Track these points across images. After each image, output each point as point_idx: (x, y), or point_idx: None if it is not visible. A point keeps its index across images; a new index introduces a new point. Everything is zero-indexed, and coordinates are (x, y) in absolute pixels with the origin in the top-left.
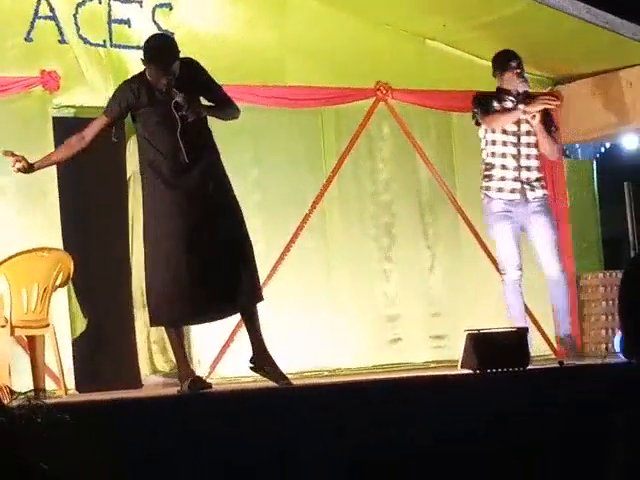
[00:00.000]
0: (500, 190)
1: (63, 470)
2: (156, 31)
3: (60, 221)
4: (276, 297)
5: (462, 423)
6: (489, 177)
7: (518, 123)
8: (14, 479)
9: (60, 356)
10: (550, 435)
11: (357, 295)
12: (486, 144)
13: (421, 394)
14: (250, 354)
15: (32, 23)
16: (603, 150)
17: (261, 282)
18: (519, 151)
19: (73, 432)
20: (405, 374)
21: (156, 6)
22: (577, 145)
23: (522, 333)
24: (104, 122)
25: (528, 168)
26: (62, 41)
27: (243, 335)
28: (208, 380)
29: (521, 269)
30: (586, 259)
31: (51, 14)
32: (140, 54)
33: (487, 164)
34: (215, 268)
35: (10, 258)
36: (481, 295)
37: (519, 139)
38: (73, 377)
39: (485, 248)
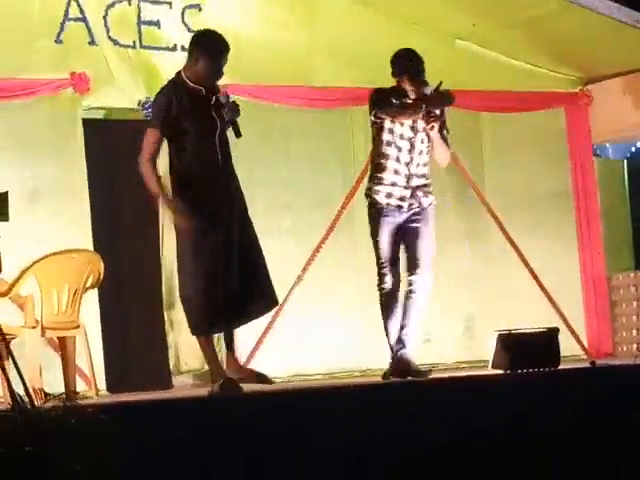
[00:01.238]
0: (389, 196)
1: (95, 469)
2: (185, 32)
3: (91, 223)
4: (305, 297)
5: (493, 423)
6: (379, 180)
7: (415, 131)
8: (46, 479)
9: (91, 357)
10: (581, 435)
11: None
12: (379, 144)
13: (452, 394)
14: (280, 354)
15: (62, 25)
16: (634, 149)
17: (291, 283)
18: (412, 158)
19: (106, 433)
20: (436, 375)
21: (185, 7)
22: (608, 145)
23: (553, 333)
24: (158, 135)
25: (418, 176)
26: (92, 42)
27: (273, 336)
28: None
29: (400, 279)
30: (617, 259)
31: (81, 16)
32: (170, 55)
33: (378, 165)
34: (245, 274)
35: (41, 259)
36: (511, 295)
37: (413, 146)
38: (104, 378)
39: (515, 247)
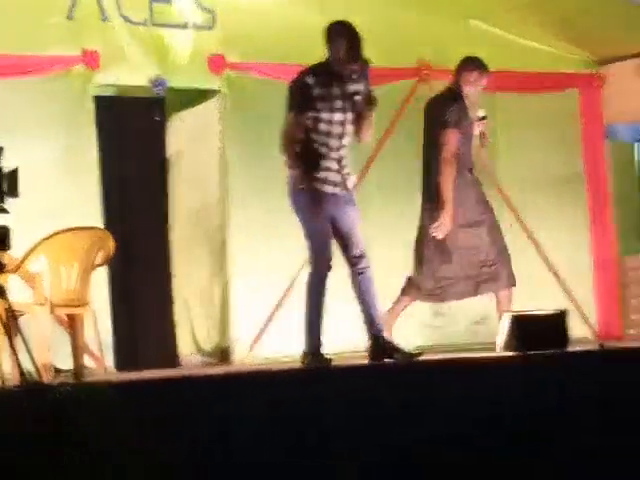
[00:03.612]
0: (325, 182)
1: (105, 446)
2: (197, 9)
3: (101, 200)
4: None
5: (501, 405)
6: (315, 167)
7: (344, 111)
8: (57, 455)
9: (99, 335)
10: (589, 418)
11: (398, 275)
12: (313, 131)
13: (460, 376)
14: (290, 334)
15: (74, 1)
16: None
17: (302, 263)
18: (342, 143)
19: (115, 410)
20: (446, 355)
21: None
22: (620, 127)
23: (562, 315)
24: None
25: (345, 158)
26: (104, 19)
27: (282, 316)
28: (245, 360)
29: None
30: (628, 242)
31: None
32: (181, 33)
33: (313, 151)
34: None
35: (50, 236)
36: (521, 277)
37: (344, 129)
38: (112, 356)
39: (526, 230)
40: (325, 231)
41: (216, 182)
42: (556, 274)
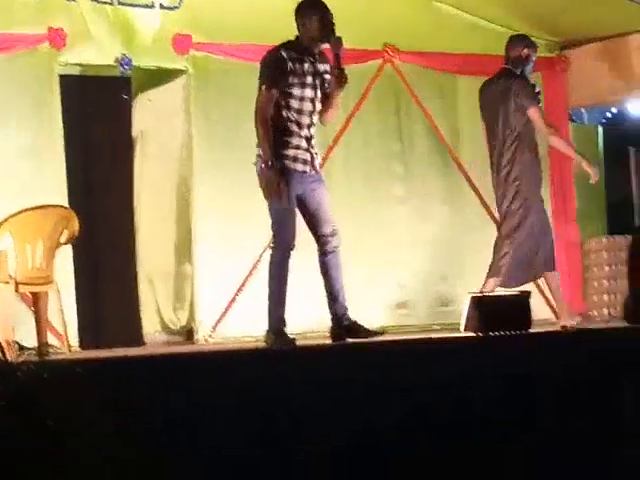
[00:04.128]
0: (295, 160)
1: (68, 425)
2: None
3: (66, 179)
4: None
5: (464, 385)
6: (285, 144)
7: (315, 88)
8: (19, 433)
9: (63, 313)
10: (551, 398)
11: (363, 256)
12: (286, 108)
13: (424, 356)
14: (252, 315)
15: None
16: (609, 115)
17: (265, 242)
18: (312, 121)
19: (78, 388)
20: (410, 336)
21: None
22: (583, 110)
23: (524, 296)
24: None
25: (313, 137)
26: None
27: (245, 296)
28: (209, 339)
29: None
30: (590, 224)
31: None
32: (147, 12)
33: (284, 128)
34: None
35: (15, 215)
36: (485, 258)
37: (314, 107)
38: (77, 334)
39: (489, 210)
40: (290, 209)
41: (182, 161)
42: None
